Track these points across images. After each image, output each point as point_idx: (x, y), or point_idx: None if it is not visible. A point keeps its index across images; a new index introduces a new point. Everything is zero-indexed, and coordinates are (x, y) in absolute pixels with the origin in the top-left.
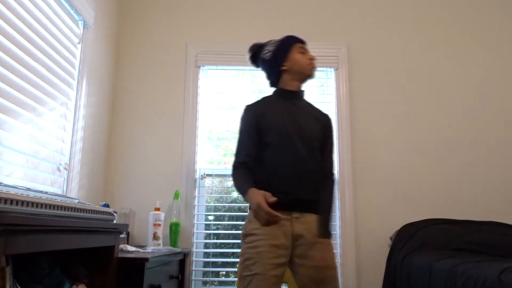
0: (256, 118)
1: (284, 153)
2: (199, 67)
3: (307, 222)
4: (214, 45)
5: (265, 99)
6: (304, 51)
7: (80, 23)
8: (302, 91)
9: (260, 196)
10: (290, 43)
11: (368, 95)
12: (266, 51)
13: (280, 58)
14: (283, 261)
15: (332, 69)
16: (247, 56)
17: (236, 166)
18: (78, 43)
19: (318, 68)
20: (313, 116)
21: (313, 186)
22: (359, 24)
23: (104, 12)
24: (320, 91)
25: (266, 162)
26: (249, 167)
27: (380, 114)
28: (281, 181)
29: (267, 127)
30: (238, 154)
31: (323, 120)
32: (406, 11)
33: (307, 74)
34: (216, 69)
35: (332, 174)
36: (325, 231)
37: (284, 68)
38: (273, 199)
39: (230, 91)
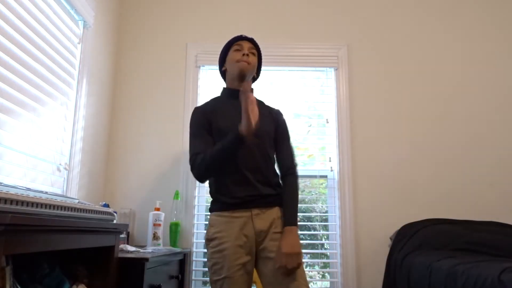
0: (205, 119)
1: (236, 155)
2: (199, 67)
3: (268, 217)
4: (214, 45)
5: (213, 100)
6: (239, 48)
7: (80, 23)
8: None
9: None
10: (230, 42)
11: (368, 95)
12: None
13: (221, 59)
14: (247, 260)
15: (332, 69)
16: None
17: (195, 158)
18: (78, 43)
19: (318, 68)
20: (263, 114)
21: (267, 181)
22: (359, 24)
23: (104, 12)
24: (320, 91)
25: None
26: None
27: (380, 114)
28: (235, 180)
29: (216, 127)
30: (193, 147)
31: (273, 116)
32: (407, 11)
33: (235, 72)
34: (216, 69)
35: (292, 168)
36: (288, 221)
37: (224, 69)
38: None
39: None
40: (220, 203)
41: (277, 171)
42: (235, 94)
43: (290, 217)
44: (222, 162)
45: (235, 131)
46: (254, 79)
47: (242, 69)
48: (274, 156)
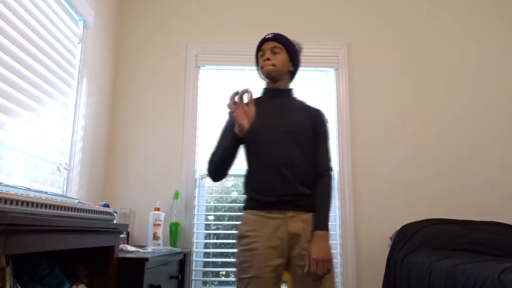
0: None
1: (271, 152)
2: (199, 67)
3: (303, 220)
4: (214, 45)
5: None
6: (263, 53)
7: (80, 23)
8: (287, 90)
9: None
10: (257, 49)
11: (368, 95)
12: None
13: (256, 63)
14: (280, 262)
15: (332, 69)
16: None
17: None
18: (78, 43)
19: (318, 68)
20: (301, 112)
21: (303, 179)
22: (359, 24)
23: (104, 12)
24: (320, 91)
25: (254, 163)
26: None
27: (380, 114)
28: (270, 177)
29: (252, 127)
30: (215, 147)
31: (313, 115)
32: (407, 11)
33: (263, 77)
34: (216, 69)
35: (327, 170)
36: (320, 225)
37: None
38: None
39: (230, 91)
40: (254, 201)
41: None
42: (273, 93)
43: (321, 222)
44: (223, 159)
45: (233, 131)
46: (293, 73)
47: (267, 76)
48: (311, 155)
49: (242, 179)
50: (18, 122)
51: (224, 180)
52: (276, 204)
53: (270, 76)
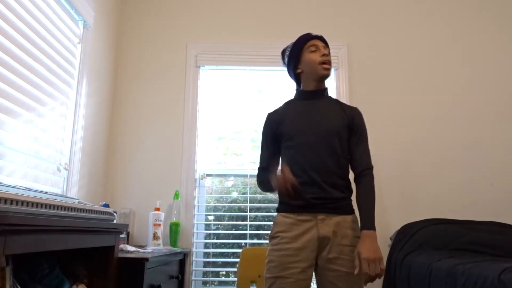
0: (273, 127)
1: (304, 155)
2: (199, 67)
3: (335, 223)
4: (214, 45)
5: (285, 104)
6: (315, 49)
7: (80, 23)
8: (322, 90)
9: (282, 175)
10: (301, 43)
11: (368, 95)
12: (285, 56)
13: (293, 62)
14: (307, 265)
15: (332, 69)
16: (281, 62)
17: (258, 172)
18: (78, 43)
19: None
20: (336, 112)
21: (335, 184)
22: (359, 24)
23: (104, 12)
24: None
25: (289, 166)
26: (269, 170)
27: (380, 114)
28: (302, 181)
29: (285, 132)
30: (260, 159)
31: (349, 114)
32: (407, 11)
33: (320, 75)
34: (216, 69)
35: (367, 168)
36: (367, 225)
37: (299, 71)
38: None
39: (230, 91)
40: (285, 204)
41: (350, 171)
42: (312, 95)
43: (367, 221)
44: (270, 190)
45: (271, 179)
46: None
47: (326, 74)
48: (347, 156)
49: (242, 179)
50: (18, 122)
51: (223, 180)
52: (306, 207)
53: (326, 75)
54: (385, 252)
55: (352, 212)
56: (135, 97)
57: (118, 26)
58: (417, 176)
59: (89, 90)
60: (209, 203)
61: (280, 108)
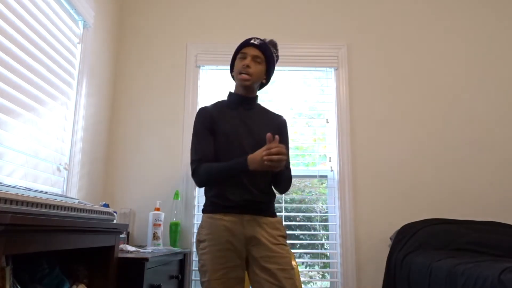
0: (209, 120)
1: (234, 157)
2: (199, 67)
3: (259, 224)
4: (214, 45)
5: (219, 103)
6: (243, 57)
7: (80, 23)
8: (253, 97)
9: (259, 152)
10: (238, 48)
11: (368, 95)
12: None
13: (231, 65)
14: (237, 263)
15: (332, 69)
16: None
17: (195, 166)
18: (78, 43)
19: (318, 68)
20: (265, 121)
21: (262, 189)
22: (359, 24)
23: (104, 12)
24: (320, 91)
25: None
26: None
27: (380, 114)
28: (232, 183)
29: (219, 132)
30: (195, 152)
31: (276, 123)
32: (406, 11)
33: (238, 83)
34: (216, 69)
35: (286, 168)
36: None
37: (232, 74)
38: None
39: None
40: (213, 205)
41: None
42: (239, 100)
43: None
44: (224, 180)
45: (244, 161)
46: (262, 84)
47: (243, 84)
48: None
49: None
50: (18, 122)
51: None
52: (234, 208)
53: (244, 85)
54: (385, 252)
55: (275, 214)
56: (135, 97)
57: (118, 26)
58: (417, 176)
59: (89, 90)
60: None
61: (214, 105)
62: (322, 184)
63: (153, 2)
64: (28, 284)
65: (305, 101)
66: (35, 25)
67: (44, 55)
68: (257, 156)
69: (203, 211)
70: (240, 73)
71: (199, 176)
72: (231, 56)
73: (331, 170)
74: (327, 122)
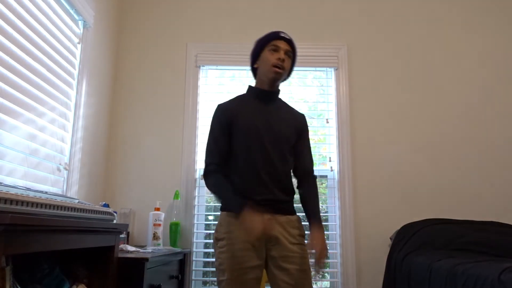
0: (227, 118)
1: (254, 155)
2: (199, 67)
3: (279, 223)
4: (214, 45)
5: (238, 98)
6: (276, 49)
7: (80, 23)
8: (275, 92)
9: (259, 223)
10: (266, 39)
11: (368, 95)
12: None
13: (254, 55)
14: (256, 264)
15: (332, 69)
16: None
17: (211, 170)
18: (78, 43)
19: (318, 68)
20: (286, 117)
21: (283, 188)
22: (359, 24)
23: (104, 12)
24: (320, 91)
25: (236, 164)
26: (222, 170)
27: (380, 114)
28: (251, 182)
29: (238, 128)
30: (211, 153)
31: (298, 120)
32: (406, 11)
33: (269, 77)
34: (216, 69)
35: (313, 171)
36: (318, 219)
37: (255, 66)
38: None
39: (230, 91)
40: None
41: (294, 174)
42: (262, 94)
43: (318, 215)
44: (216, 196)
45: (240, 208)
46: (284, 79)
47: (275, 78)
48: (293, 161)
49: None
50: (18, 122)
51: None
52: (254, 207)
53: (275, 78)
54: (385, 252)
55: (295, 212)
56: (135, 97)
57: (118, 26)
58: (417, 176)
59: (89, 90)
60: (209, 203)
61: (232, 102)
62: (322, 184)
63: (153, 2)
64: (28, 284)
65: (305, 101)
66: (35, 25)
67: (44, 55)
68: (255, 220)
69: (222, 209)
70: (275, 66)
71: (208, 184)
72: (231, 56)
73: (331, 170)
74: (327, 122)
